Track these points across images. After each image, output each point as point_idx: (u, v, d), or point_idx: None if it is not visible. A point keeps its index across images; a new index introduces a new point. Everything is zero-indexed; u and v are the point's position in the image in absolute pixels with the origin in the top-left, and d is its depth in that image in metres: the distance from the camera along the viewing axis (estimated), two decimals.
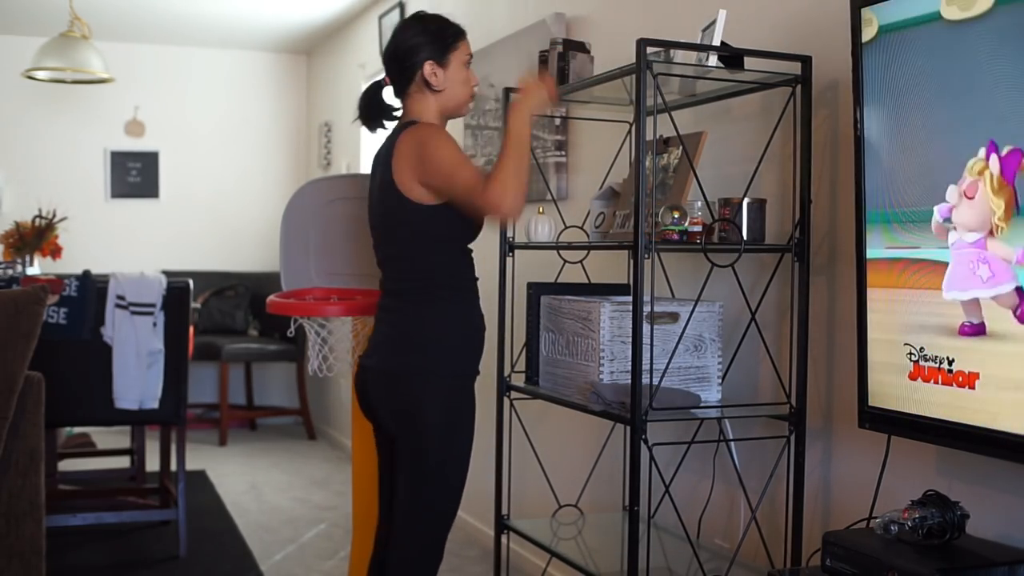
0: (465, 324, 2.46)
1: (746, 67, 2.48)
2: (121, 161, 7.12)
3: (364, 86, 6.49)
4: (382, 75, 2.57)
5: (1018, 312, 1.81)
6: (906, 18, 2.01)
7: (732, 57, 2.47)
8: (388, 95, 2.57)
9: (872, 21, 2.09)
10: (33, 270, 5.15)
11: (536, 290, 2.91)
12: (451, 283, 2.45)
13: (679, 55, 2.52)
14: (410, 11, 5.37)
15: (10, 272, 4.51)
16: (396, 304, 2.47)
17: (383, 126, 2.58)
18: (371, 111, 2.58)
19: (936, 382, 1.98)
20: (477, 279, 2.51)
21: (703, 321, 2.61)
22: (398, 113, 2.56)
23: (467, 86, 2.50)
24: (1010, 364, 1.83)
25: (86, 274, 3.93)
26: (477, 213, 2.38)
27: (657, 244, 2.36)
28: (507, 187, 2.28)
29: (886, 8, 2.06)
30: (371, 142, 6.09)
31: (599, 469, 3.22)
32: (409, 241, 2.43)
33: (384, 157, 2.44)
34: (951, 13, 1.91)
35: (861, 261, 2.16)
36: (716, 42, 2.45)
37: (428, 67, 2.43)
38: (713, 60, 2.45)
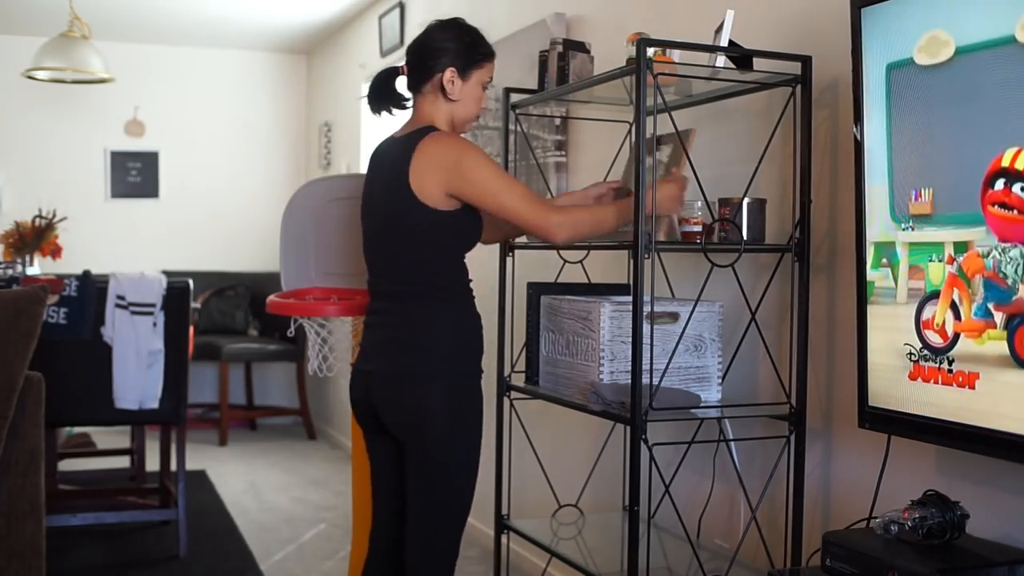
0: (465, 325, 2.46)
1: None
2: (121, 161, 7.12)
3: (365, 86, 6.45)
4: (400, 63, 2.55)
5: None
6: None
7: (740, 57, 2.47)
8: (400, 84, 2.55)
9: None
10: (33, 270, 5.15)
11: (536, 290, 2.90)
12: (451, 286, 2.44)
13: (676, 55, 2.52)
14: (411, 12, 5.36)
15: (10, 272, 4.51)
16: (395, 307, 2.45)
17: (390, 112, 2.56)
18: (381, 95, 2.55)
19: (936, 382, 1.98)
20: (471, 281, 2.52)
21: (703, 321, 2.61)
22: (408, 103, 2.54)
23: (477, 105, 2.50)
24: None
25: (86, 274, 3.93)
26: (523, 229, 2.51)
27: (657, 244, 2.36)
28: (570, 229, 2.40)
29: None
30: (371, 143, 6.09)
31: (599, 469, 3.22)
32: (416, 245, 2.41)
33: (398, 159, 2.40)
34: None
35: (861, 261, 2.16)
36: (724, 43, 2.45)
37: (449, 73, 2.43)
38: (721, 61, 2.45)
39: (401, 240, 2.42)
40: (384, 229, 2.46)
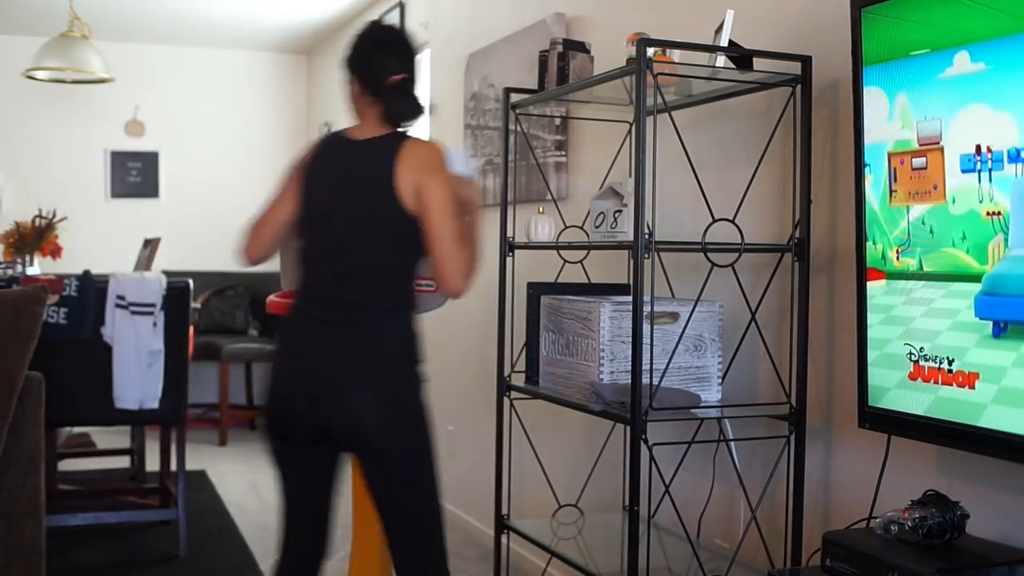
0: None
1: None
2: (121, 161, 7.12)
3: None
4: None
5: None
6: None
7: (740, 57, 2.48)
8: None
9: None
10: (33, 270, 5.15)
11: (536, 290, 2.91)
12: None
13: (676, 55, 2.52)
14: (410, 11, 5.37)
15: (10, 272, 4.51)
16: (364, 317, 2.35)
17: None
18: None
19: (936, 382, 1.98)
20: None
21: (703, 321, 2.60)
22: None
23: None
24: None
25: (86, 274, 3.93)
26: (437, 257, 2.30)
27: (657, 244, 2.36)
28: (468, 273, 2.34)
29: None
30: None
31: (599, 469, 3.22)
32: (392, 251, 2.35)
33: (379, 158, 2.34)
34: None
35: (861, 261, 2.16)
36: (724, 43, 2.45)
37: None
38: (721, 61, 2.45)
39: (377, 245, 2.35)
40: (355, 230, 2.36)
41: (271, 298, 3.08)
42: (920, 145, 2.01)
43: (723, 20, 2.47)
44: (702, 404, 2.55)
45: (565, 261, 3.08)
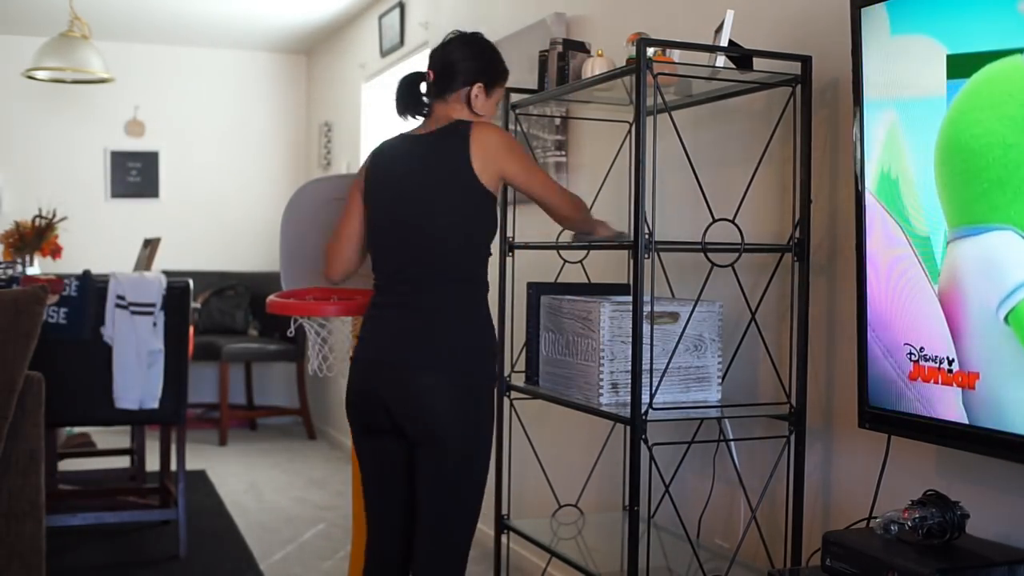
0: (487, 321, 2.52)
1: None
2: (121, 161, 7.12)
3: (365, 86, 6.42)
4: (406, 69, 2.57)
5: None
6: None
7: (740, 57, 2.48)
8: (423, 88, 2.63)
9: None
10: (33, 270, 5.15)
11: (536, 290, 2.90)
12: (485, 281, 2.52)
13: (676, 55, 2.52)
14: (410, 12, 5.37)
15: (10, 272, 4.50)
16: (421, 296, 2.47)
17: (414, 116, 2.62)
18: (409, 100, 2.61)
19: (936, 382, 1.98)
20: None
21: (703, 321, 2.60)
22: (427, 110, 2.60)
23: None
24: None
25: (86, 274, 3.93)
26: (548, 209, 2.60)
27: (657, 244, 2.36)
28: (577, 210, 2.65)
29: None
30: (371, 143, 6.09)
31: (599, 469, 3.22)
32: (467, 230, 2.46)
33: (446, 146, 2.45)
34: None
35: (861, 261, 2.16)
36: (724, 42, 2.45)
37: (476, 88, 2.54)
38: (721, 61, 2.45)
39: (450, 227, 2.45)
40: (428, 216, 2.45)
41: (271, 298, 3.08)
42: None
43: (723, 20, 2.47)
44: (702, 404, 2.55)
45: (565, 261, 3.08)
